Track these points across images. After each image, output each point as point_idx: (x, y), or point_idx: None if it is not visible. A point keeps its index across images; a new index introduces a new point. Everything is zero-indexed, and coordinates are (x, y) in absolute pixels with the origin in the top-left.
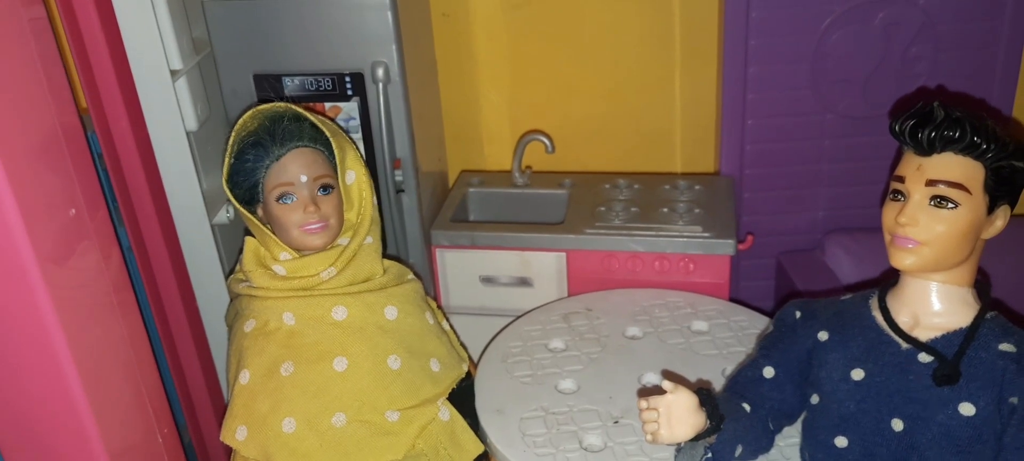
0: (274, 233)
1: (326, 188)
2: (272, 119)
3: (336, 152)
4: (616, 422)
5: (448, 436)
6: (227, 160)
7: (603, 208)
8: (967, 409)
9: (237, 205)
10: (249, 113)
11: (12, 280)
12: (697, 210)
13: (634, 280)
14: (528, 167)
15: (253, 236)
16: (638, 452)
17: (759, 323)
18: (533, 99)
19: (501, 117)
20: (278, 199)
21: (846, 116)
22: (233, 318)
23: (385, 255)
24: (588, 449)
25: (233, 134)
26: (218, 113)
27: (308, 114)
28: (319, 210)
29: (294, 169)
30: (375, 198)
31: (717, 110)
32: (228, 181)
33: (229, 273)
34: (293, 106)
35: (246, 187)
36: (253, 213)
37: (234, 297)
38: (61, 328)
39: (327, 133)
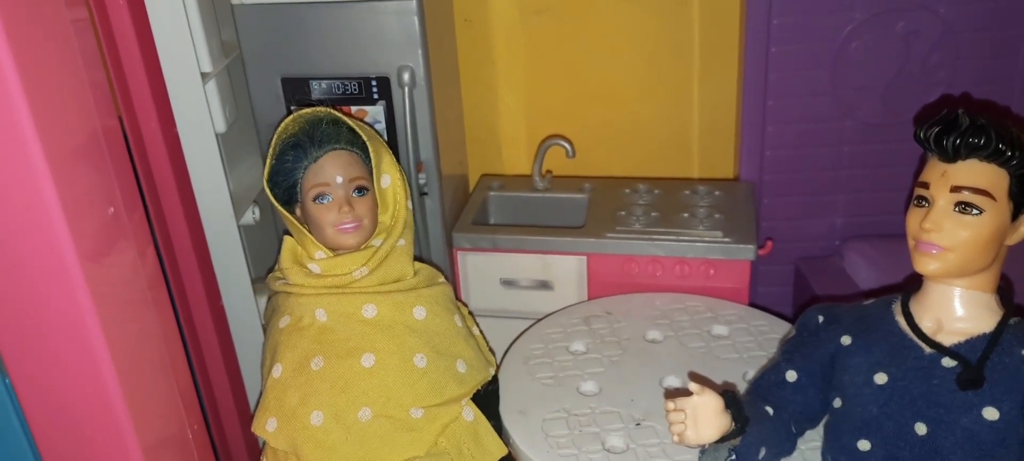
0: (310, 232)
1: (361, 190)
2: (311, 122)
3: (372, 156)
4: (638, 424)
5: (471, 436)
6: (268, 161)
7: (623, 212)
8: (991, 414)
9: (277, 205)
10: (290, 117)
11: (53, 276)
12: (717, 215)
13: (654, 284)
14: (548, 171)
15: (292, 236)
16: (660, 454)
17: (779, 328)
18: (551, 104)
19: (519, 122)
20: (315, 199)
21: (866, 123)
22: (270, 315)
23: (415, 257)
24: (610, 451)
25: (275, 137)
26: (245, 116)
27: (346, 118)
28: (353, 210)
29: (330, 170)
30: (409, 202)
31: (737, 116)
32: (268, 181)
33: (267, 272)
34: (332, 111)
35: (285, 187)
36: (292, 213)
37: (272, 295)
38: (99, 323)
39: (364, 137)
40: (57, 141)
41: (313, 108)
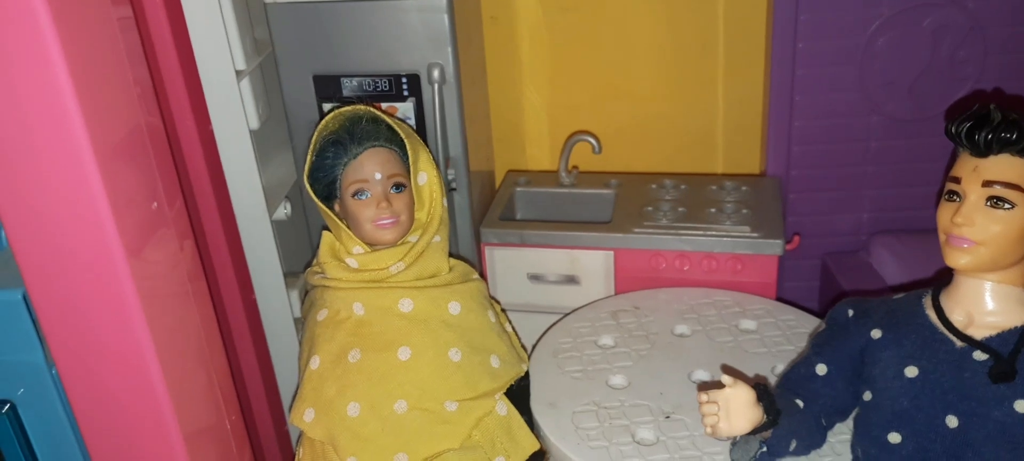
0: (349, 228)
1: (398, 186)
2: (352, 120)
3: (409, 153)
4: (668, 417)
5: (504, 430)
6: (309, 157)
7: (650, 208)
8: (1023, 406)
9: (317, 200)
10: (331, 115)
11: (100, 268)
12: (744, 210)
13: (681, 279)
14: (574, 167)
15: (330, 231)
16: (690, 446)
17: (807, 322)
18: (576, 101)
19: (543, 118)
20: (353, 195)
21: (893, 118)
22: (308, 309)
23: (450, 254)
24: (641, 443)
25: (316, 134)
26: (278, 113)
27: (385, 116)
28: (391, 206)
29: (369, 167)
30: (445, 199)
31: (764, 111)
32: (309, 177)
33: (305, 267)
34: (372, 109)
35: (325, 183)
36: (331, 208)
37: (310, 289)
38: (143, 314)
39: (402, 135)
40: (105, 137)
41: (353, 106)
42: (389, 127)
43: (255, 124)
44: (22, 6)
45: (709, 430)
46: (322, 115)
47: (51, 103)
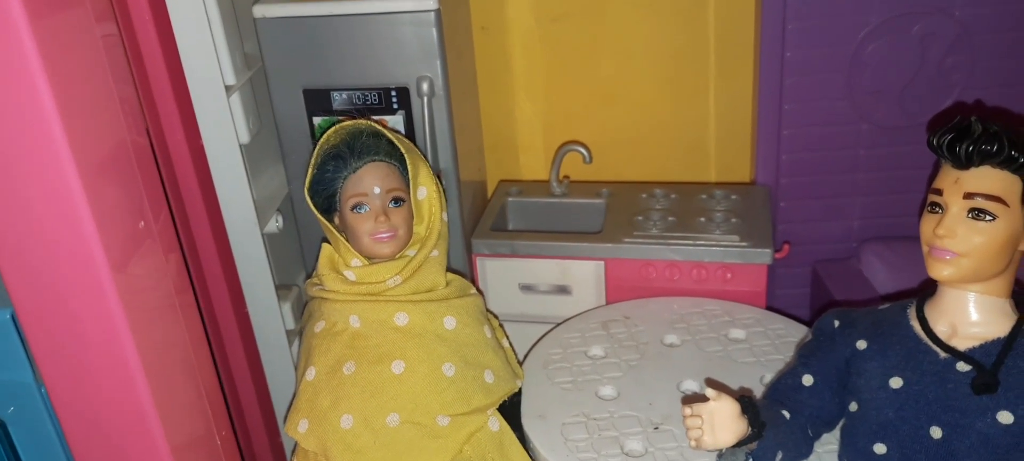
0: (348, 241)
1: (397, 200)
2: (352, 134)
3: (409, 168)
4: (656, 428)
5: (496, 446)
6: (310, 171)
7: (641, 217)
8: (1006, 417)
9: (317, 213)
10: (333, 128)
11: (86, 288)
12: (734, 219)
13: (671, 289)
14: (566, 177)
15: (330, 243)
16: (679, 458)
17: (796, 331)
18: (568, 110)
19: (536, 128)
20: (352, 208)
21: (882, 126)
22: (306, 319)
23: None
24: (629, 454)
25: (317, 147)
26: (268, 127)
27: (386, 131)
28: (389, 220)
29: (369, 181)
30: (444, 214)
31: (753, 120)
32: (309, 190)
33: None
34: (373, 124)
35: (325, 196)
36: (330, 221)
37: (308, 300)
38: (130, 333)
39: (402, 150)
40: (89, 155)
41: (354, 120)
42: (390, 142)
43: (245, 138)
44: (2, 24)
45: (694, 443)
46: (313, 129)
47: (34, 122)
